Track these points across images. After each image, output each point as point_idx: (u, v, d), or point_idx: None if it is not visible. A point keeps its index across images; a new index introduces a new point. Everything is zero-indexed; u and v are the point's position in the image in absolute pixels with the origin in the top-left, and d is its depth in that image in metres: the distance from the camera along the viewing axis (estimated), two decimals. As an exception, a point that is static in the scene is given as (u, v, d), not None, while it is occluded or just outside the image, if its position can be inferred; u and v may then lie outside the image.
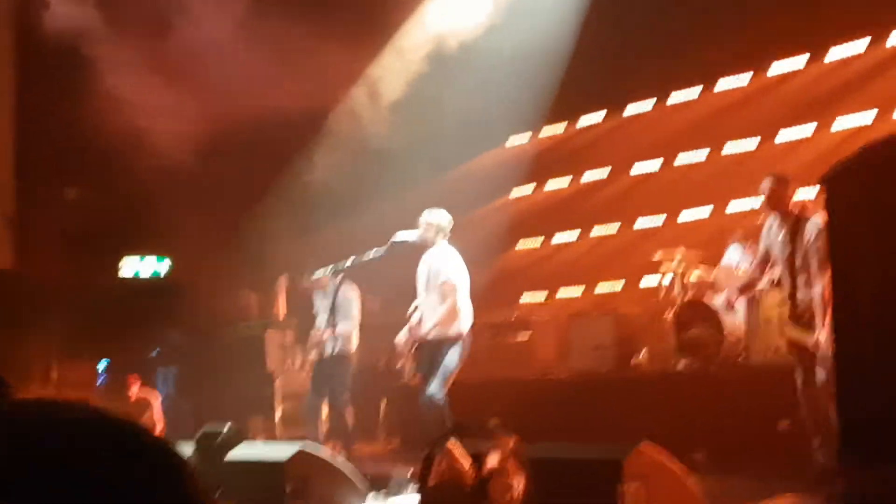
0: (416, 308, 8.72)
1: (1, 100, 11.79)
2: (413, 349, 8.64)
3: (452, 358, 8.40)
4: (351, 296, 9.85)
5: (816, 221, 7.04)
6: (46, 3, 11.18)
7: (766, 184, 7.39)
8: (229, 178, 12.43)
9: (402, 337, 8.77)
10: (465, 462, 6.01)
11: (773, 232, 7.41)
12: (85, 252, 12.99)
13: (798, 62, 11.64)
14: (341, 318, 9.75)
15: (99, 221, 13.27)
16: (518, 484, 6.11)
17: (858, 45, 11.11)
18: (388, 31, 12.40)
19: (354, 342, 9.95)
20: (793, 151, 11.21)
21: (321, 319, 9.99)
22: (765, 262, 7.58)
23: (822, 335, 6.93)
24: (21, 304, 11.30)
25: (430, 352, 8.52)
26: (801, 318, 7.21)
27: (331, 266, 9.46)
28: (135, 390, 11.72)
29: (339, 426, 9.70)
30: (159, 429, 11.63)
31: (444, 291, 8.44)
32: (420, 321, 8.61)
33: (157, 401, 11.91)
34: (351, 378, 9.95)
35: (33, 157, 12.28)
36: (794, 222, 7.26)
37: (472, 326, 8.67)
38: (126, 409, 11.40)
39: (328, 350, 9.86)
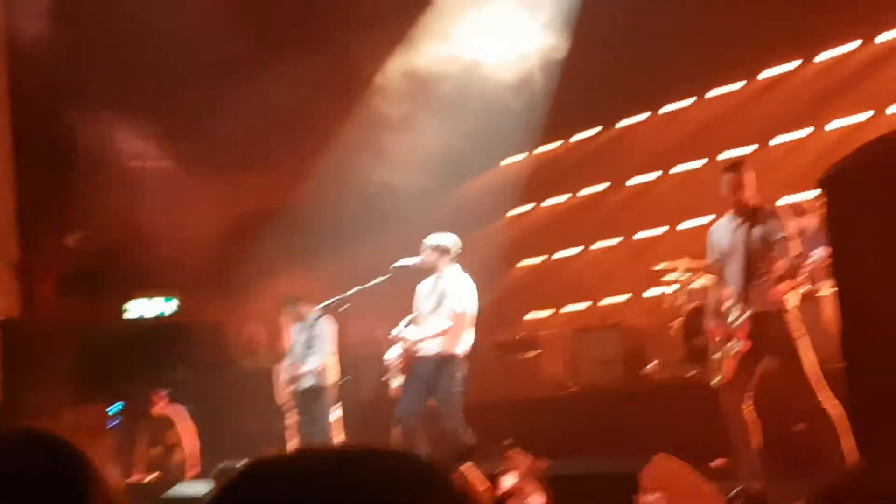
0: (410, 322, 8.65)
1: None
2: (402, 363, 8.57)
3: (453, 380, 8.36)
4: (327, 329, 9.92)
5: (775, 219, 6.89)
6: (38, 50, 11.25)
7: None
8: (232, 213, 12.48)
9: (392, 354, 8.69)
10: (482, 485, 6.01)
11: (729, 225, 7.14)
12: (90, 296, 13.02)
13: (789, 66, 11.68)
14: (315, 352, 9.86)
15: (102, 265, 13.31)
16: (536, 503, 6.10)
17: (848, 47, 11.16)
18: (376, 63, 12.46)
19: (331, 375, 10.02)
20: (789, 155, 11.23)
21: (297, 352, 10.07)
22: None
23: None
24: (29, 350, 11.31)
25: (427, 373, 8.45)
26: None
27: (334, 298, 9.45)
28: (161, 406, 11.78)
29: None
30: (189, 442, 11.66)
31: (453, 316, 8.38)
32: (416, 336, 8.51)
33: (183, 416, 11.95)
34: (327, 410, 10.04)
35: (34, 203, 12.33)
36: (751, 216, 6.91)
37: (479, 347, 8.65)
38: (152, 429, 11.47)
39: (305, 383, 9.95)
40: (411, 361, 8.49)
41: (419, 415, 8.49)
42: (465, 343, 8.43)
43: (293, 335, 10.36)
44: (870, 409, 3.55)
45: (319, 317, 9.80)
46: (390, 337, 8.72)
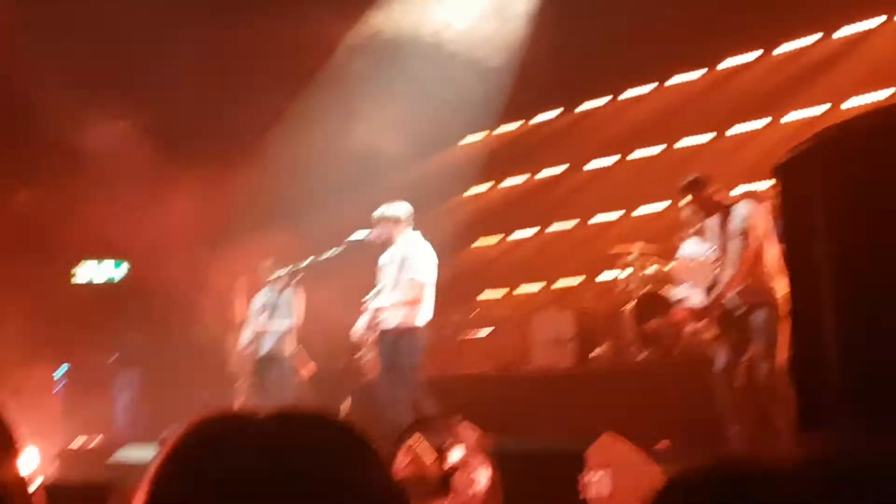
0: (376, 294, 8.58)
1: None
2: (372, 339, 8.48)
3: (413, 352, 8.34)
4: (295, 297, 9.83)
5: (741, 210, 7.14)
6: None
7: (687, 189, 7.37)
8: (187, 178, 12.35)
9: (359, 326, 8.60)
10: (429, 457, 6.02)
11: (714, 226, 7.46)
12: (38, 256, 12.83)
13: (749, 56, 11.79)
14: (280, 317, 9.77)
15: (52, 224, 13.11)
16: (482, 478, 6.13)
17: (808, 40, 11.28)
18: (335, 35, 12.37)
19: (289, 344, 9.93)
20: (745, 145, 11.36)
21: (262, 318, 9.97)
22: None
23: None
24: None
25: (388, 345, 8.40)
26: None
27: (289, 267, 9.39)
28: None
29: None
30: None
31: (412, 286, 8.33)
32: (379, 309, 8.46)
33: None
34: (281, 380, 9.97)
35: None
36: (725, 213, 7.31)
37: (433, 323, 8.64)
38: None
39: (264, 349, 9.85)
40: (378, 335, 8.42)
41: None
42: (425, 314, 8.38)
43: (257, 300, 10.20)
44: (814, 409, 3.56)
45: (286, 284, 9.69)
46: (363, 302, 8.57)
